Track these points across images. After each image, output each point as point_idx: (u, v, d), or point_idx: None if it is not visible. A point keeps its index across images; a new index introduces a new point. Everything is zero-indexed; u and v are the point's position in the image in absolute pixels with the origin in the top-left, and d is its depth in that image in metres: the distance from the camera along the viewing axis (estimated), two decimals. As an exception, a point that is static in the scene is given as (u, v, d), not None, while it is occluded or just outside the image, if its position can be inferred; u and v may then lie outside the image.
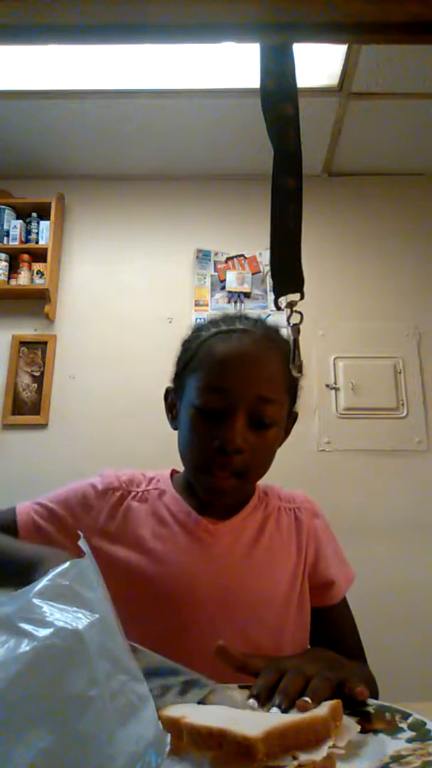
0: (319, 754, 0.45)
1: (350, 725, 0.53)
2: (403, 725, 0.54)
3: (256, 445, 0.79)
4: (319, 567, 0.87)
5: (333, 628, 0.87)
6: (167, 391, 0.91)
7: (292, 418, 0.90)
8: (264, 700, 0.56)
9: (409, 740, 0.51)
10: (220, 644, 0.63)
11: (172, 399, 0.89)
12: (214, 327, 0.85)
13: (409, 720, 0.55)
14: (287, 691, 0.56)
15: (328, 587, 0.87)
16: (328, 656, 0.69)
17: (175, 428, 0.88)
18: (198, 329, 0.88)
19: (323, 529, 0.91)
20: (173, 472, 0.94)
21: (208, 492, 0.82)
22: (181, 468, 0.91)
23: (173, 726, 0.47)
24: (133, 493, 0.88)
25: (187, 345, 0.87)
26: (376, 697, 0.81)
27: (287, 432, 0.90)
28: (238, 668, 0.63)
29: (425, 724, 0.53)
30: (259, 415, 0.78)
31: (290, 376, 0.83)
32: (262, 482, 0.93)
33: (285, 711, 0.54)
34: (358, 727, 0.53)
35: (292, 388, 0.86)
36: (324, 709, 0.52)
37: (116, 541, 0.84)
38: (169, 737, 0.38)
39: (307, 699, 0.54)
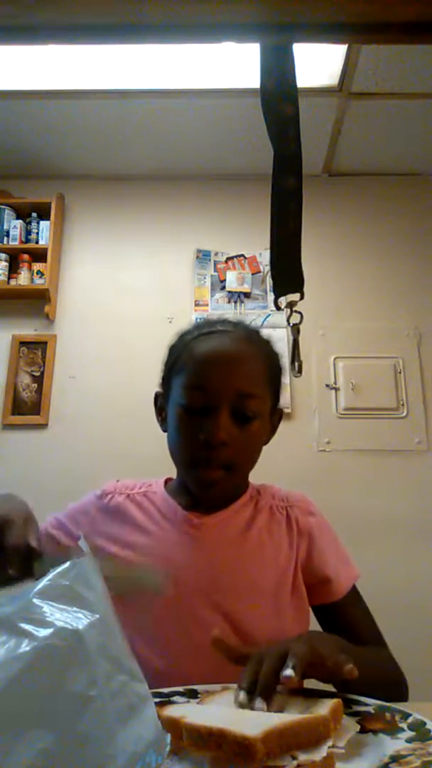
0: (319, 754, 0.46)
1: (350, 725, 0.53)
2: (403, 725, 0.54)
3: (241, 438, 0.82)
4: (313, 564, 0.88)
5: (341, 621, 0.87)
6: (156, 396, 0.95)
7: (277, 415, 0.93)
8: (251, 694, 0.56)
9: (409, 740, 0.51)
10: (217, 635, 0.64)
11: (161, 402, 0.93)
12: (196, 330, 0.91)
13: (409, 720, 0.55)
14: (264, 680, 0.56)
15: (325, 584, 0.87)
16: (326, 637, 0.69)
17: (164, 430, 0.91)
18: (182, 334, 0.93)
19: (318, 527, 0.91)
20: (167, 480, 0.98)
21: (198, 485, 0.85)
22: (175, 475, 0.95)
23: (173, 726, 0.47)
24: (124, 495, 0.93)
25: (172, 349, 0.92)
26: (401, 686, 0.81)
27: (274, 429, 0.93)
28: (234, 660, 0.63)
29: (425, 723, 0.53)
30: (242, 409, 0.82)
31: (271, 372, 0.89)
32: (257, 482, 0.96)
33: (267, 700, 0.55)
34: (358, 727, 0.53)
35: (273, 384, 0.89)
36: (324, 709, 0.52)
37: (110, 539, 0.88)
38: (169, 737, 0.38)
39: (288, 673, 0.54)
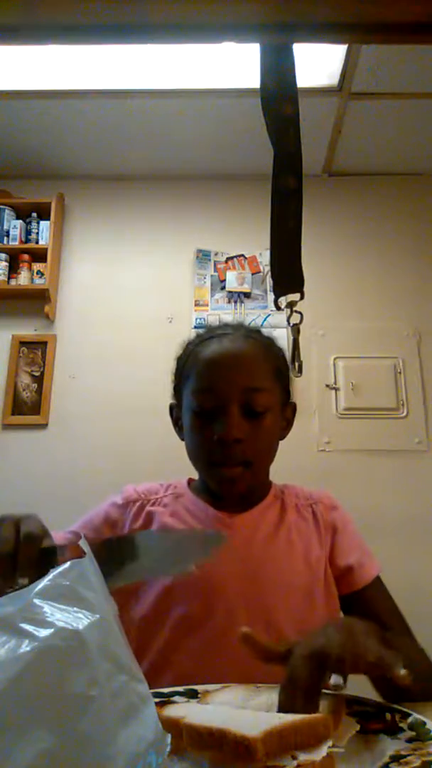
0: (319, 754, 0.45)
1: (350, 725, 0.53)
2: (403, 725, 0.54)
3: (254, 433, 0.84)
4: (337, 555, 0.89)
5: (366, 609, 0.86)
6: (171, 407, 0.97)
7: (291, 408, 0.95)
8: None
9: (409, 740, 0.51)
10: (246, 631, 0.62)
11: (176, 413, 0.95)
12: (198, 338, 0.94)
13: (409, 720, 0.55)
14: (303, 692, 0.53)
15: (348, 573, 0.88)
16: (361, 626, 0.62)
17: (182, 439, 0.92)
18: (186, 343, 0.96)
19: (341, 520, 0.93)
20: (190, 480, 0.98)
21: (219, 483, 0.87)
22: (195, 475, 0.96)
23: (173, 726, 0.47)
24: (151, 501, 0.93)
25: (178, 360, 0.95)
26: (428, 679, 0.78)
27: (289, 423, 0.95)
28: (264, 658, 0.61)
29: (425, 723, 0.53)
30: (251, 404, 0.84)
31: (275, 365, 0.90)
32: (279, 482, 0.97)
33: (311, 710, 0.51)
34: (358, 727, 0.53)
35: (280, 378, 0.91)
36: (324, 709, 0.52)
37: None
38: (169, 737, 0.38)
39: (335, 682, 0.53)
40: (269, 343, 0.93)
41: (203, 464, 0.88)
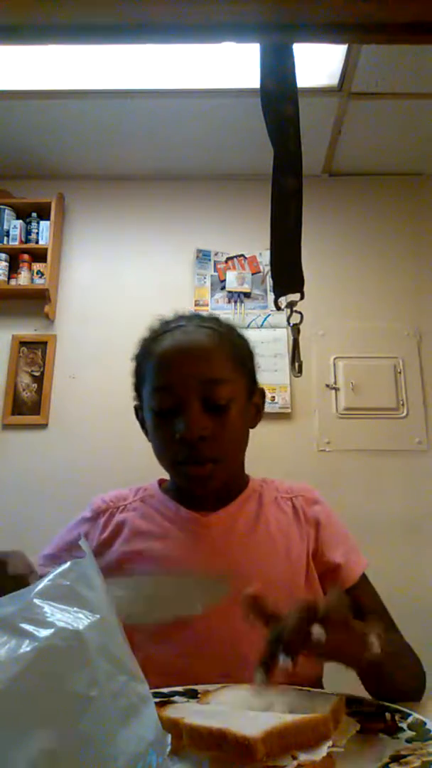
0: (319, 754, 0.46)
1: (350, 725, 0.53)
2: (403, 725, 0.54)
3: (219, 428, 0.80)
4: (322, 552, 0.86)
5: (353, 609, 0.85)
6: (136, 409, 0.95)
7: (259, 393, 0.91)
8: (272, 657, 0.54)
9: (409, 740, 0.51)
10: (252, 592, 0.61)
11: (141, 415, 0.92)
12: (152, 333, 0.91)
13: (409, 720, 0.55)
14: (288, 635, 0.54)
15: (335, 571, 0.85)
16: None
17: (150, 440, 0.90)
18: (141, 340, 0.93)
19: (324, 514, 0.90)
20: (161, 481, 0.96)
21: (189, 483, 0.83)
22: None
23: (173, 726, 0.47)
24: (120, 507, 0.90)
25: (135, 358, 0.92)
26: (421, 678, 0.78)
27: (259, 409, 0.91)
28: (263, 620, 0.60)
29: (425, 723, 0.53)
30: (212, 397, 0.80)
31: (235, 352, 0.86)
32: (260, 476, 0.94)
33: (293, 656, 0.52)
34: (358, 727, 0.53)
35: (243, 365, 0.87)
36: (324, 708, 0.52)
37: (114, 553, 0.85)
38: (169, 737, 0.38)
39: (320, 637, 0.52)
40: (226, 331, 0.88)
41: (169, 465, 0.85)
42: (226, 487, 0.87)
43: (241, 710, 0.55)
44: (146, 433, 0.91)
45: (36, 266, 2.48)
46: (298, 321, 0.83)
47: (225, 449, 0.82)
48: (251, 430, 0.90)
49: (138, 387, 0.91)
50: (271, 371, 2.38)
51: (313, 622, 0.54)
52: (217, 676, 0.69)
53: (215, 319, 0.90)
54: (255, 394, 0.90)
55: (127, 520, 0.87)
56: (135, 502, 0.91)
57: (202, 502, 0.87)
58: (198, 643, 0.77)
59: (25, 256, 2.48)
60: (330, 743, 0.47)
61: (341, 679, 0.76)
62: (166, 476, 0.94)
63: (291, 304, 0.83)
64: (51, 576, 0.37)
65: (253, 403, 0.89)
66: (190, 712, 0.50)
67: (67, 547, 0.88)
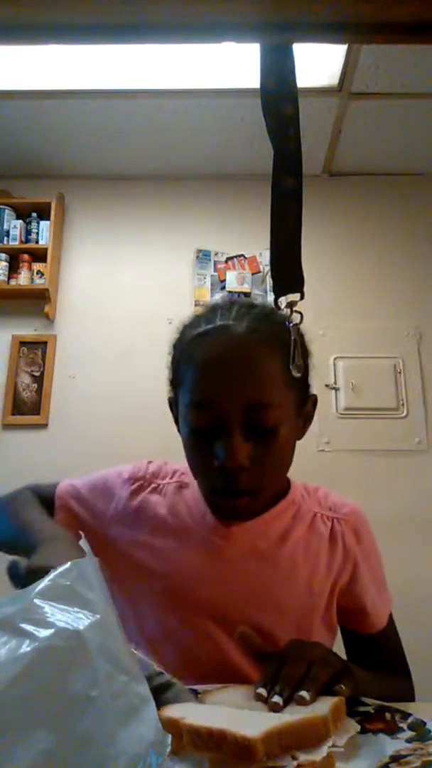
0: (319, 754, 0.45)
1: (350, 725, 0.53)
2: (403, 725, 0.54)
3: (263, 456, 0.70)
4: (353, 591, 0.81)
5: (371, 653, 0.82)
6: (170, 402, 0.83)
7: (310, 402, 0.80)
8: (268, 691, 0.56)
9: (409, 740, 0.51)
10: (244, 629, 0.62)
11: (176, 412, 0.81)
12: (194, 324, 0.77)
13: (409, 720, 0.55)
14: (288, 678, 0.56)
15: (361, 613, 0.81)
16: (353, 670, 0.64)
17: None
18: (182, 329, 0.80)
19: (365, 552, 0.83)
20: None
21: (221, 513, 0.78)
22: None
23: (173, 726, 0.47)
24: (153, 485, 0.85)
25: (173, 349, 0.80)
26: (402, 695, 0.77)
27: (308, 419, 0.80)
28: (255, 657, 0.62)
29: (425, 724, 0.53)
30: (258, 422, 0.69)
31: (287, 363, 0.71)
32: (304, 482, 0.87)
33: (287, 699, 0.54)
34: (358, 727, 0.53)
35: (295, 381, 0.72)
36: (325, 708, 0.52)
37: (131, 532, 0.81)
38: (170, 738, 0.38)
39: (303, 694, 0.54)
40: (282, 333, 0.71)
41: (204, 490, 0.79)
42: (258, 512, 0.80)
43: (241, 710, 0.55)
44: (179, 428, 0.81)
45: (36, 266, 2.49)
46: (298, 321, 0.83)
47: (267, 480, 0.73)
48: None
49: (173, 381, 0.79)
50: (271, 371, 2.37)
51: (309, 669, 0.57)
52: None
53: (269, 314, 0.76)
54: (307, 403, 0.79)
55: (151, 505, 0.82)
56: (171, 485, 0.85)
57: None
58: (184, 657, 0.76)
59: (25, 256, 2.49)
60: (330, 743, 0.47)
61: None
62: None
63: (291, 304, 0.83)
64: (51, 576, 0.37)
65: (303, 413, 0.78)
66: (190, 712, 0.50)
67: (93, 491, 0.85)
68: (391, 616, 0.85)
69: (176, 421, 0.81)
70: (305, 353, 0.78)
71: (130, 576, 0.80)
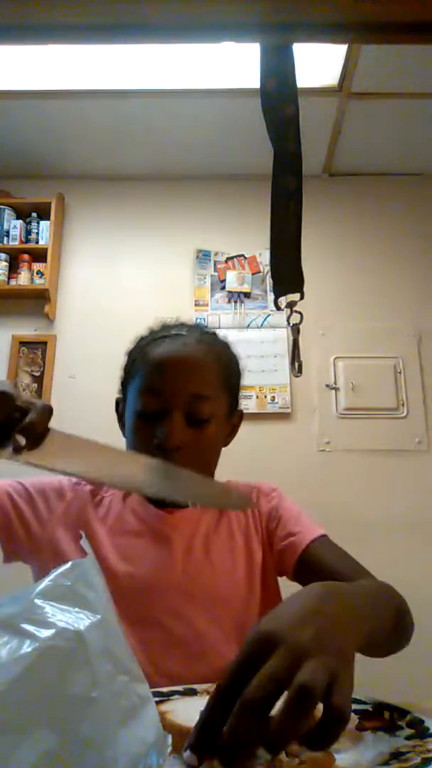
0: (319, 752, 0.46)
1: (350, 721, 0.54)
2: (402, 723, 0.54)
3: (196, 442, 0.82)
4: (276, 528, 0.88)
5: (317, 567, 0.82)
6: (117, 402, 0.95)
7: (237, 416, 0.94)
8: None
9: (408, 737, 0.51)
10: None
11: (122, 408, 0.92)
12: (150, 335, 0.92)
13: (408, 718, 0.55)
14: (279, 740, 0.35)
15: (289, 537, 0.86)
16: (323, 612, 0.44)
17: (125, 436, 0.90)
18: (138, 339, 0.95)
19: (279, 500, 0.92)
20: None
21: None
22: None
23: (176, 729, 0.47)
24: (105, 494, 0.90)
25: (129, 354, 0.94)
26: (404, 615, 0.79)
27: (234, 430, 0.94)
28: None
29: (423, 721, 0.53)
30: (195, 412, 0.82)
31: (226, 373, 0.89)
32: (257, 482, 0.95)
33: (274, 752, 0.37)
34: (356, 721, 0.54)
35: (229, 385, 0.89)
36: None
37: (84, 534, 0.82)
38: (170, 738, 0.38)
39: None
40: (222, 349, 0.91)
41: None
42: None
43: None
44: (121, 426, 0.92)
45: (36, 266, 2.49)
46: (298, 321, 0.83)
47: (197, 463, 0.81)
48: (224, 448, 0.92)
49: (125, 383, 0.92)
50: (271, 371, 2.38)
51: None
52: (187, 674, 0.71)
53: (214, 335, 0.93)
54: (235, 414, 0.93)
55: (105, 510, 0.88)
56: (109, 496, 0.90)
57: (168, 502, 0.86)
58: (162, 642, 0.78)
59: (25, 256, 2.49)
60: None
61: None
62: None
63: (291, 304, 0.83)
64: (52, 576, 0.37)
65: (231, 422, 0.92)
66: (176, 708, 0.50)
67: (40, 490, 0.87)
68: (328, 539, 0.87)
69: (120, 419, 0.93)
70: (239, 373, 0.93)
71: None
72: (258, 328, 2.45)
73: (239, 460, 2.22)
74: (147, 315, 2.74)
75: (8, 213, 2.53)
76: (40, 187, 2.58)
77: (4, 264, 2.46)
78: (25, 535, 0.82)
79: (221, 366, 0.88)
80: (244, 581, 0.84)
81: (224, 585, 0.83)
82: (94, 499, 0.89)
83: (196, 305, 2.49)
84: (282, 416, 2.32)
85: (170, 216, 2.61)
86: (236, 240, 2.55)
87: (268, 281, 2.49)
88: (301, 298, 0.82)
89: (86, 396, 2.39)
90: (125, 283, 2.54)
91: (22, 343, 2.46)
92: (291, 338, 0.87)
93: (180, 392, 0.82)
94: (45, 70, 2.06)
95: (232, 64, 2.00)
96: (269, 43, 0.68)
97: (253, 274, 2.53)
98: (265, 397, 2.34)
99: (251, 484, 0.95)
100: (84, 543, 0.41)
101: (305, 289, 0.82)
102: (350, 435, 2.32)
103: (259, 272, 2.53)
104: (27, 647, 0.32)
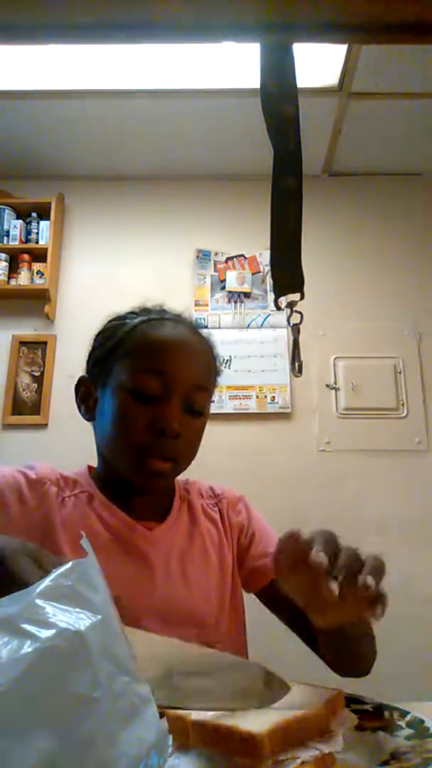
0: (321, 751, 0.46)
1: (348, 717, 0.54)
2: (402, 723, 0.54)
3: (189, 432, 0.80)
4: (251, 547, 0.87)
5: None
6: (81, 382, 0.88)
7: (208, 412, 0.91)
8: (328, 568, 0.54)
9: (408, 737, 0.51)
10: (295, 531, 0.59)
11: (87, 389, 0.86)
12: (141, 315, 0.86)
13: (408, 718, 0.55)
14: (349, 567, 0.54)
15: (263, 559, 0.85)
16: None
17: (89, 419, 0.86)
18: (121, 318, 0.88)
19: (246, 511, 0.91)
20: (90, 469, 0.91)
21: (142, 475, 0.79)
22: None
23: (180, 722, 0.47)
24: (62, 496, 0.83)
25: (110, 333, 0.86)
26: (374, 653, 0.79)
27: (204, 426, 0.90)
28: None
29: (423, 721, 0.53)
30: (192, 402, 0.80)
31: (216, 370, 0.88)
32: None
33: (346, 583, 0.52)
34: (356, 720, 0.54)
35: (215, 383, 0.88)
36: (321, 702, 0.52)
37: (50, 542, 0.77)
38: (171, 738, 0.38)
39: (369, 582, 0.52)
40: (212, 345, 0.89)
41: (128, 452, 0.79)
42: (164, 492, 0.87)
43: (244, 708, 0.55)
44: (86, 410, 0.86)
45: (36, 266, 2.49)
46: (298, 321, 0.83)
47: (187, 453, 0.81)
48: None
49: (105, 360, 0.83)
50: (271, 371, 2.38)
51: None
52: None
53: (200, 328, 0.90)
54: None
55: (70, 519, 0.80)
56: (77, 497, 0.83)
57: (141, 506, 0.83)
58: None
59: (25, 256, 2.49)
60: (339, 737, 0.48)
61: (340, 679, 0.77)
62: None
63: (291, 304, 0.83)
64: (53, 576, 0.37)
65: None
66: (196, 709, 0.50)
67: None
68: None
69: (83, 401, 0.87)
70: (219, 370, 0.89)
71: None
72: (258, 328, 2.45)
73: (239, 460, 2.23)
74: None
75: (8, 213, 2.53)
76: (40, 187, 2.58)
77: (4, 264, 2.46)
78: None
79: (214, 361, 0.87)
80: (217, 601, 0.83)
81: (198, 606, 0.81)
82: (59, 502, 0.81)
83: (196, 305, 2.49)
84: (282, 416, 2.32)
85: (170, 216, 2.61)
86: (236, 240, 2.55)
87: (268, 281, 2.49)
88: (301, 298, 0.82)
89: (86, 396, 2.39)
90: (125, 283, 2.53)
91: (22, 343, 2.46)
92: (291, 338, 0.86)
93: (183, 378, 0.79)
94: (45, 70, 2.06)
95: (233, 63, 2.00)
96: (269, 43, 0.68)
97: (253, 274, 2.53)
98: (265, 397, 2.34)
99: (214, 488, 0.93)
100: (84, 543, 0.41)
101: (305, 289, 0.81)
102: (350, 435, 2.32)
103: (259, 272, 2.53)
104: (27, 647, 0.32)
